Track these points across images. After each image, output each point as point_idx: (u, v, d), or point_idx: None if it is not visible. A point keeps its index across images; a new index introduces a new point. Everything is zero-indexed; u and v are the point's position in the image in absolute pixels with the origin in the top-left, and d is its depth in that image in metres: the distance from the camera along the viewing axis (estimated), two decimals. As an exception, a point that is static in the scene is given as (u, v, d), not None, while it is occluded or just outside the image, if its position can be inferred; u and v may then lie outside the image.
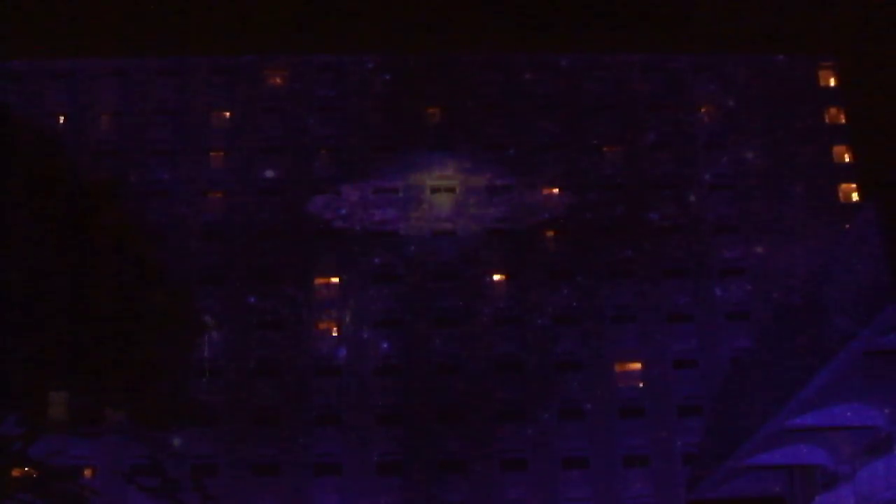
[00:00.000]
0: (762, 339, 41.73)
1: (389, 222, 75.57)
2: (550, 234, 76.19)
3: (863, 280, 25.37)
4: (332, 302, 74.25)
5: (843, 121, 79.57)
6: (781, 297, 68.20)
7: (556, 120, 78.30)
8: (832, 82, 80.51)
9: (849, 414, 32.25)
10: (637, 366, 73.15)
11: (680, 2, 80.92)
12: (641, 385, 72.75)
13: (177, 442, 46.91)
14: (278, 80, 79.68)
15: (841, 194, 77.56)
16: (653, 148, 78.17)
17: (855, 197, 77.04)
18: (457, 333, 73.08)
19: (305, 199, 76.00)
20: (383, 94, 78.65)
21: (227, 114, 78.68)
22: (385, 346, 73.07)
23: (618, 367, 73.00)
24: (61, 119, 76.96)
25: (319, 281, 74.73)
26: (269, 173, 76.96)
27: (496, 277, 75.00)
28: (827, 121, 79.49)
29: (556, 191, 77.12)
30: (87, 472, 66.01)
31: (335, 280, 74.73)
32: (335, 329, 73.72)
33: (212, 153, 77.75)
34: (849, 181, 77.79)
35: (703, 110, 79.81)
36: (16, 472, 42.39)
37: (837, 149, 78.65)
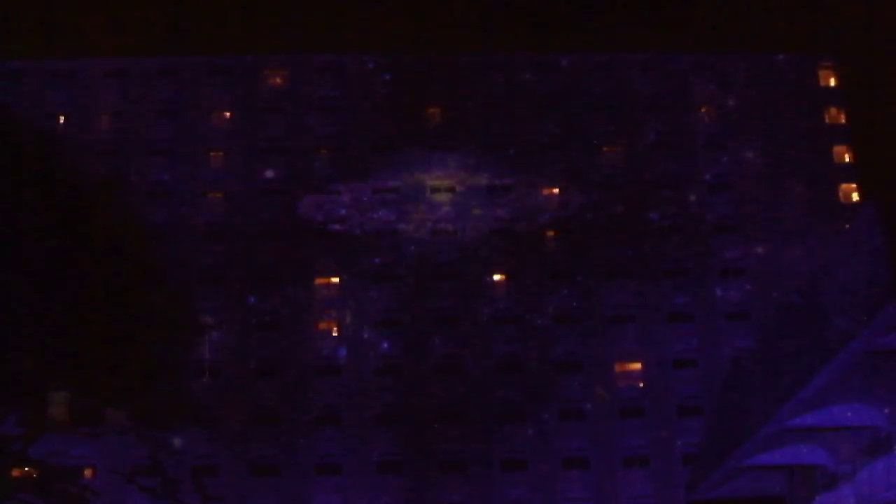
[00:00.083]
0: (762, 339, 41.72)
1: (389, 222, 75.58)
2: (550, 234, 76.19)
3: (863, 280, 25.37)
4: (332, 302, 74.26)
5: (843, 121, 79.56)
6: (781, 297, 68.12)
7: (556, 120, 78.29)
8: (832, 82, 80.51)
9: (849, 414, 32.25)
10: (637, 366, 73.16)
11: (680, 2, 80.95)
12: (641, 385, 72.75)
13: (177, 442, 46.82)
14: (278, 80, 79.67)
15: (841, 194, 77.57)
16: (653, 148, 78.16)
17: (855, 197, 77.04)
18: (457, 333, 73.08)
19: (306, 199, 75.99)
20: (383, 94, 78.64)
21: (227, 114, 78.67)
22: (385, 346, 73.08)
23: (618, 367, 73.00)
24: (61, 119, 76.96)
25: (319, 281, 74.74)
26: (269, 173, 76.96)
27: (496, 277, 75.00)
28: (827, 121, 79.49)
29: (556, 191, 77.12)
30: (88, 472, 65.95)
31: (335, 280, 74.74)
32: (335, 329, 73.73)
33: (212, 153, 77.75)
34: (849, 181, 77.79)
35: (703, 110, 79.80)
36: (16, 472, 42.38)
37: (837, 149, 78.64)
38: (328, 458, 70.18)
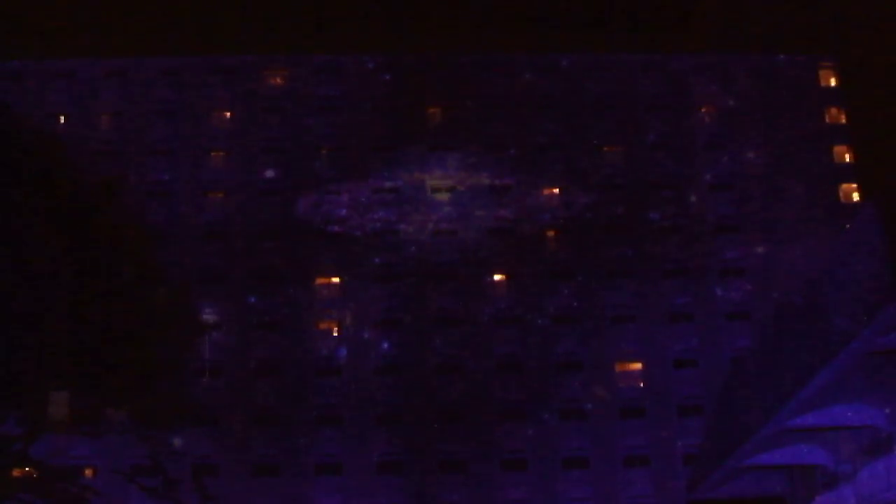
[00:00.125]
0: (762, 339, 41.76)
1: (389, 222, 75.56)
2: (550, 234, 76.18)
3: (863, 280, 25.38)
4: (333, 302, 74.25)
5: (844, 121, 79.55)
6: (781, 297, 68.09)
7: (557, 120, 78.27)
8: (832, 82, 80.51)
9: (849, 414, 32.29)
10: (637, 366, 73.15)
11: (680, 2, 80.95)
12: (642, 385, 72.74)
13: (177, 442, 46.83)
14: (278, 80, 79.67)
15: (841, 194, 77.56)
16: (653, 148, 78.15)
17: (855, 197, 77.04)
18: (457, 333, 73.07)
19: (306, 199, 75.98)
20: (383, 94, 78.62)
21: (227, 114, 78.67)
22: (385, 346, 73.08)
23: (618, 367, 73.00)
24: (61, 119, 76.96)
25: (320, 281, 74.74)
26: (269, 173, 76.95)
27: (496, 277, 74.99)
28: (827, 121, 79.49)
29: (556, 191, 77.11)
30: (88, 472, 66.03)
31: (335, 280, 74.73)
32: (335, 329, 73.72)
33: (212, 153, 77.75)
34: (849, 181, 77.78)
35: (703, 110, 79.79)
36: (16, 472, 42.40)
37: (838, 149, 78.64)
38: (328, 458, 70.17)
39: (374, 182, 76.32)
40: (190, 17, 78.01)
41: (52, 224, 37.26)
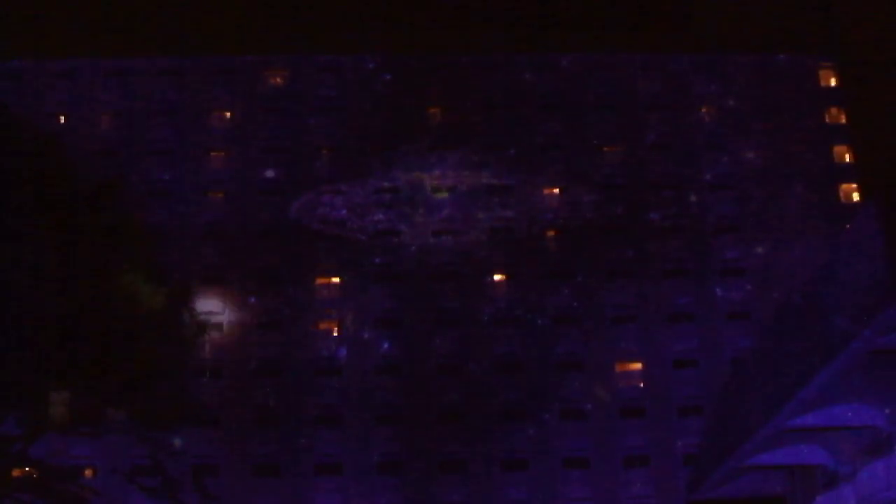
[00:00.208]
0: (762, 339, 41.73)
1: (389, 222, 75.56)
2: (550, 234, 76.18)
3: (863, 280, 25.37)
4: (333, 302, 74.25)
5: (844, 121, 79.54)
6: (781, 297, 68.07)
7: (556, 120, 78.28)
8: (832, 82, 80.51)
9: (849, 414, 32.28)
10: (637, 366, 73.14)
11: (680, 2, 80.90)
12: (642, 385, 72.73)
13: (177, 442, 46.86)
14: (278, 80, 79.68)
15: (841, 194, 77.56)
16: (653, 148, 78.15)
17: (855, 197, 77.03)
18: (457, 333, 73.06)
19: (306, 199, 75.98)
20: (383, 94, 78.63)
21: (227, 114, 78.68)
22: (385, 346, 73.08)
23: (618, 368, 72.98)
24: (61, 119, 76.96)
25: (320, 281, 74.74)
26: (269, 173, 76.94)
27: (496, 277, 74.99)
28: (827, 121, 79.48)
29: (556, 191, 77.11)
30: (88, 472, 66.02)
31: (335, 280, 74.74)
32: (335, 329, 73.71)
33: (212, 153, 77.76)
34: (849, 181, 77.77)
35: (703, 110, 79.78)
36: (16, 472, 42.42)
37: (838, 149, 78.63)
38: (328, 458, 70.15)
39: (374, 182, 76.32)
40: (190, 17, 77.96)
41: (51, 224, 37.25)
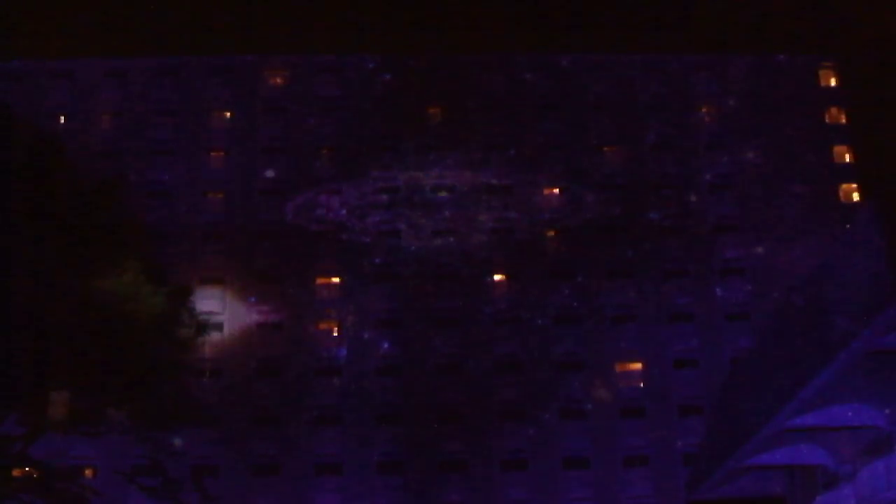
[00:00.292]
0: (762, 339, 41.71)
1: (389, 222, 75.57)
2: (550, 234, 76.19)
3: (863, 280, 25.36)
4: (333, 302, 74.26)
5: (844, 121, 79.56)
6: (781, 297, 68.07)
7: (557, 120, 78.29)
8: (832, 82, 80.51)
9: (849, 414, 32.24)
10: (637, 366, 73.15)
11: (680, 2, 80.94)
12: (642, 385, 72.74)
13: (177, 442, 46.84)
14: (278, 80, 79.68)
15: (841, 194, 77.56)
16: (653, 148, 78.16)
17: (855, 197, 77.03)
18: (457, 333, 73.08)
19: (306, 199, 75.97)
20: (383, 94, 78.63)
21: (227, 114, 78.69)
22: (385, 346, 73.09)
23: (618, 367, 72.99)
24: (61, 119, 76.95)
25: (320, 281, 74.74)
26: (269, 173, 76.94)
27: (496, 277, 75.00)
28: (827, 121, 79.48)
29: (556, 191, 77.13)
30: (88, 472, 66.00)
31: (336, 280, 74.74)
32: (336, 329, 73.72)
33: (212, 153, 77.76)
34: (849, 181, 77.78)
35: (703, 110, 79.80)
36: (16, 472, 42.41)
37: (838, 149, 78.64)
38: (328, 458, 70.16)
39: (374, 182, 76.32)
40: (190, 17, 78.03)
41: (51, 224, 37.26)
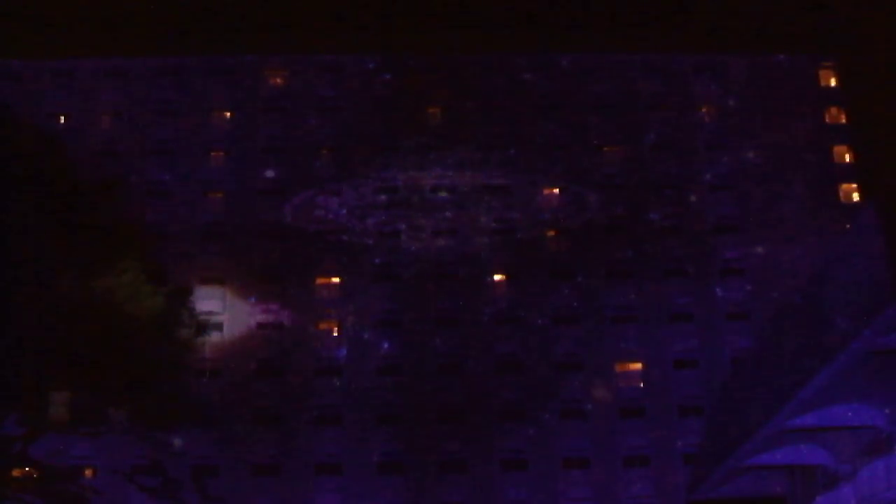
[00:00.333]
0: (762, 339, 41.75)
1: (389, 222, 75.57)
2: (550, 234, 76.18)
3: (863, 280, 25.38)
4: (333, 302, 74.25)
5: (844, 121, 79.53)
6: (781, 297, 68.07)
7: (557, 120, 78.29)
8: (832, 82, 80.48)
9: (849, 414, 32.28)
10: (637, 366, 73.14)
11: (680, 2, 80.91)
12: (642, 385, 72.73)
13: (177, 442, 46.93)
14: (278, 80, 79.67)
15: (841, 194, 77.53)
16: (653, 148, 78.14)
17: (855, 197, 77.00)
18: (457, 333, 73.07)
19: (306, 199, 75.97)
20: (383, 94, 78.63)
21: (227, 114, 78.67)
22: (385, 346, 73.08)
23: (618, 367, 72.97)
24: (61, 119, 76.97)
25: (320, 281, 74.73)
26: (269, 173, 76.94)
27: (496, 277, 74.99)
28: (827, 121, 79.45)
29: (556, 191, 77.13)
30: (88, 472, 65.99)
31: (335, 280, 74.73)
32: (336, 329, 73.71)
33: (212, 153, 77.75)
34: (849, 181, 77.73)
35: (703, 110, 79.78)
36: (16, 472, 42.43)
37: (838, 149, 78.61)
38: (328, 458, 70.16)
39: (374, 182, 76.32)
40: (190, 17, 78.00)
41: (51, 224, 37.27)
